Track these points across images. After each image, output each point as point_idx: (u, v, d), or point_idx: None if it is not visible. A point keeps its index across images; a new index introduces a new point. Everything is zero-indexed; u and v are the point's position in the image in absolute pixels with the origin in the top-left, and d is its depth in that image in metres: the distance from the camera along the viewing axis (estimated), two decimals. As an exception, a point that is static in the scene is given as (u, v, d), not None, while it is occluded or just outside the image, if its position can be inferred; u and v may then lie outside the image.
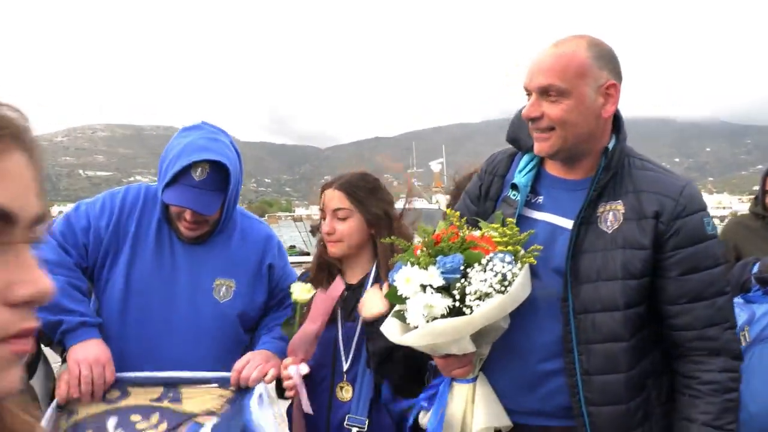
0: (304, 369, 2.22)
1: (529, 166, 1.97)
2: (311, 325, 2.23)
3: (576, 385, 1.75)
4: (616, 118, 1.87)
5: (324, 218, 2.38)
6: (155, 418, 2.14)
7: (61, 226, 2.38)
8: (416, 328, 1.72)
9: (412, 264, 1.75)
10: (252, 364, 2.24)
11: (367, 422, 2.18)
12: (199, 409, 2.17)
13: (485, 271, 1.68)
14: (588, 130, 1.79)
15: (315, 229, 3.13)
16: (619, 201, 1.79)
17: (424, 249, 1.78)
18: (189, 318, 2.34)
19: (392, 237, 1.94)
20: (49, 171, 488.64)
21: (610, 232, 1.77)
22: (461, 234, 1.78)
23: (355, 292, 2.32)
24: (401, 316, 1.78)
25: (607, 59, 1.79)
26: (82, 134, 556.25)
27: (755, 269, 2.48)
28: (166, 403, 2.18)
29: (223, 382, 2.24)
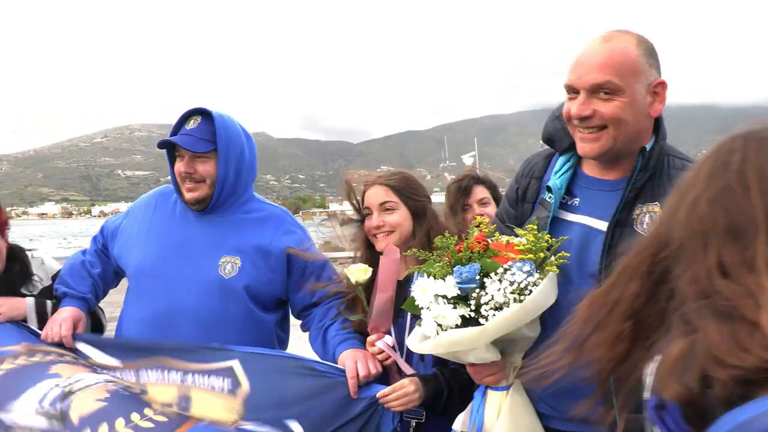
0: (389, 339, 2.29)
1: (565, 167, 1.93)
2: (383, 295, 2.28)
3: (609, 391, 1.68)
4: (656, 117, 1.81)
5: (369, 215, 2.45)
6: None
7: (103, 224, 2.83)
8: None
9: (429, 275, 1.77)
10: (353, 366, 2.24)
11: (424, 414, 2.21)
12: (207, 416, 2.19)
13: (501, 281, 1.67)
14: (637, 129, 1.75)
15: (345, 222, 3.23)
16: (656, 203, 1.73)
17: (444, 258, 1.79)
18: (197, 296, 2.44)
19: (415, 249, 2.01)
20: (89, 172, 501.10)
21: (645, 234, 1.59)
22: (489, 241, 1.78)
23: (402, 289, 2.33)
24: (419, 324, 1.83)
25: (655, 57, 1.76)
26: (120, 135, 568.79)
27: None
28: (175, 409, 2.23)
29: (223, 357, 2.27)
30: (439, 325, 1.71)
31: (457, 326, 1.69)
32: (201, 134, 2.46)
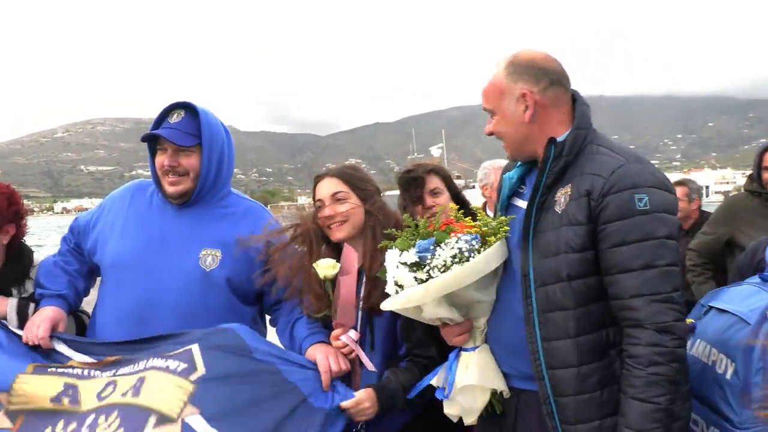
0: (353, 334, 2.36)
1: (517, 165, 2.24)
2: (347, 292, 2.38)
3: (537, 351, 1.94)
4: (574, 109, 2.06)
5: (321, 207, 2.49)
6: (112, 417, 2.13)
7: (72, 223, 2.81)
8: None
9: (396, 248, 2.07)
10: (325, 361, 2.30)
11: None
12: (154, 403, 2.12)
13: (447, 249, 1.98)
14: (520, 136, 2.06)
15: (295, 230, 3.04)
16: (569, 184, 1.95)
17: (408, 234, 2.08)
18: (178, 288, 2.46)
19: (391, 229, 2.15)
20: (51, 168, 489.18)
21: (559, 212, 1.95)
22: (454, 223, 2.08)
23: (360, 278, 2.43)
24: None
25: (522, 70, 2.02)
26: (82, 129, 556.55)
27: None
28: (129, 397, 2.17)
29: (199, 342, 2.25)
30: (399, 286, 2.02)
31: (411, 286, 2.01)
32: (185, 128, 2.49)
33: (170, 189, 2.51)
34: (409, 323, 2.31)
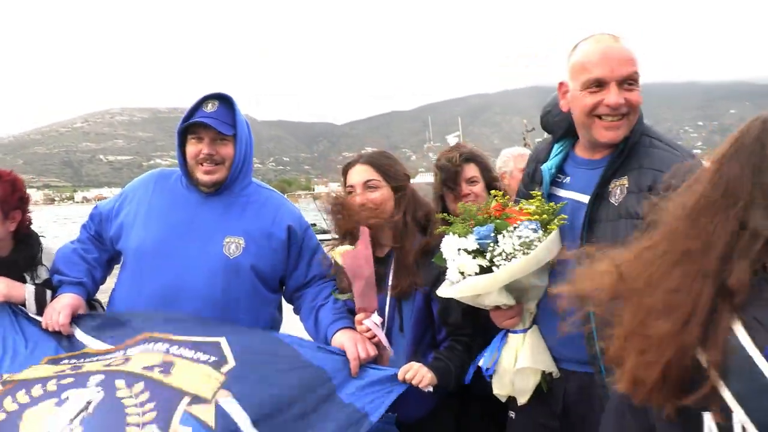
0: (377, 318, 2.39)
1: (559, 151, 2.27)
2: (360, 280, 2.39)
3: (593, 338, 1.96)
4: None
5: (352, 193, 2.55)
6: (138, 387, 2.11)
7: (92, 211, 2.83)
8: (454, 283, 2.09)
9: (454, 233, 2.10)
10: (353, 348, 2.34)
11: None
12: (187, 386, 2.11)
13: (512, 237, 2.01)
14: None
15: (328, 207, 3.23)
16: (625, 177, 2.00)
17: (466, 220, 2.14)
18: (203, 274, 2.51)
19: (443, 214, 2.29)
20: (71, 157, 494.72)
21: (616, 204, 2.00)
22: (505, 209, 2.12)
23: (382, 265, 2.48)
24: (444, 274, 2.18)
25: None
26: (101, 119, 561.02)
27: None
28: (156, 373, 2.16)
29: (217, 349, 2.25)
30: (461, 273, 2.05)
31: (476, 274, 2.04)
32: (223, 117, 2.55)
33: (205, 177, 2.56)
34: (447, 308, 2.35)
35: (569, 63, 2.13)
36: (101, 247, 2.73)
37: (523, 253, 1.98)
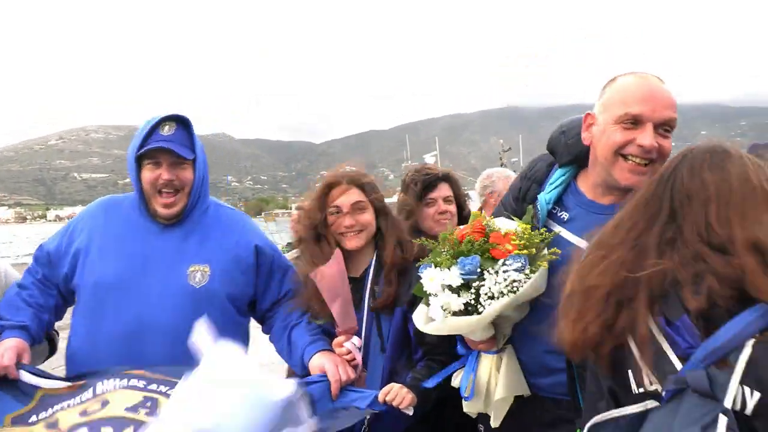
0: (357, 341, 2.38)
1: (560, 180, 2.10)
2: (336, 303, 2.36)
3: (573, 375, 1.88)
4: None
5: (335, 213, 2.50)
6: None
7: (35, 252, 2.62)
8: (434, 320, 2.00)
9: (436, 265, 1.99)
10: (334, 370, 2.25)
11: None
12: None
13: (498, 274, 1.90)
14: None
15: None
16: None
17: (447, 250, 2.02)
18: (169, 308, 2.36)
19: (421, 239, 2.20)
20: (44, 175, 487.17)
21: None
22: (487, 230, 1.99)
23: (358, 285, 2.48)
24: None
25: None
26: (76, 136, 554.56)
27: None
28: (142, 415, 2.03)
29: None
30: (444, 309, 1.95)
31: (460, 311, 1.95)
32: (181, 140, 2.41)
33: (165, 211, 2.44)
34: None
35: (604, 95, 1.97)
36: (48, 292, 2.52)
37: (510, 292, 1.90)
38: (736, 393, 1.13)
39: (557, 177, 2.12)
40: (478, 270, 1.91)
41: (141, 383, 2.15)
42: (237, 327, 2.50)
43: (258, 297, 2.58)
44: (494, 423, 2.16)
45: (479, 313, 1.91)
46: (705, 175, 1.34)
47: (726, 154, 1.37)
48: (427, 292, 2.00)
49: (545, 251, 1.96)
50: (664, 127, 1.84)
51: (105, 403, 2.10)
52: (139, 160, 2.43)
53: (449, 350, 2.33)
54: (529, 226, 1.99)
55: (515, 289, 1.89)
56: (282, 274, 2.61)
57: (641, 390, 1.30)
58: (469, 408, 2.19)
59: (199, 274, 2.42)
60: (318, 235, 2.52)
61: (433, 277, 1.96)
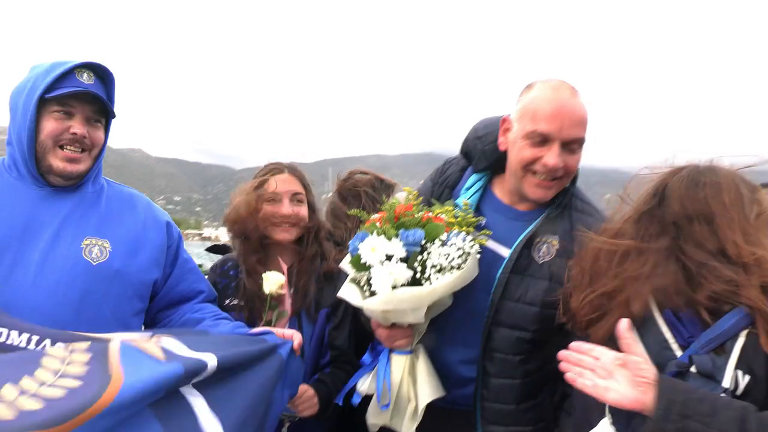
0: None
1: (476, 186, 2.06)
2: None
3: (477, 383, 1.95)
4: None
5: (272, 201, 2.36)
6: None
7: None
8: (374, 294, 1.82)
9: (379, 234, 1.82)
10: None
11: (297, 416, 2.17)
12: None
13: (443, 246, 1.80)
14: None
15: (222, 249, 3.20)
16: (556, 236, 1.92)
17: (387, 222, 1.87)
18: (52, 287, 1.87)
19: (357, 210, 2.04)
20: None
21: (540, 262, 1.90)
22: (417, 213, 1.88)
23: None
24: (358, 283, 1.89)
25: None
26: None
27: None
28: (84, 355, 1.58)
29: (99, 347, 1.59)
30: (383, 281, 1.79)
31: (402, 286, 1.79)
32: (101, 92, 1.98)
33: (68, 167, 1.94)
34: (337, 330, 2.29)
35: (520, 101, 1.93)
36: None
37: (453, 268, 1.80)
38: (732, 375, 1.35)
39: (473, 181, 2.07)
40: (422, 242, 1.81)
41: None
42: (134, 316, 2.07)
43: (160, 286, 2.16)
44: (411, 430, 1.99)
45: (430, 284, 1.79)
46: (699, 192, 1.51)
47: (714, 170, 1.55)
48: (366, 264, 1.83)
49: (479, 232, 1.92)
50: (572, 145, 1.84)
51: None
52: (38, 107, 1.92)
53: (353, 360, 2.27)
54: (451, 208, 1.94)
55: (459, 265, 1.80)
56: (190, 267, 2.26)
57: None
58: (375, 418, 2.03)
59: (97, 249, 1.96)
60: (245, 231, 2.36)
61: (374, 247, 1.81)
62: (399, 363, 1.98)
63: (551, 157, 1.82)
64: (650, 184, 1.61)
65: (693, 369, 1.38)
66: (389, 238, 1.81)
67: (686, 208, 1.51)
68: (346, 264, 1.96)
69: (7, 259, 1.85)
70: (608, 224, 1.68)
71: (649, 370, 1.35)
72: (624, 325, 1.43)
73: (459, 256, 1.79)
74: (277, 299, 2.28)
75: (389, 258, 1.80)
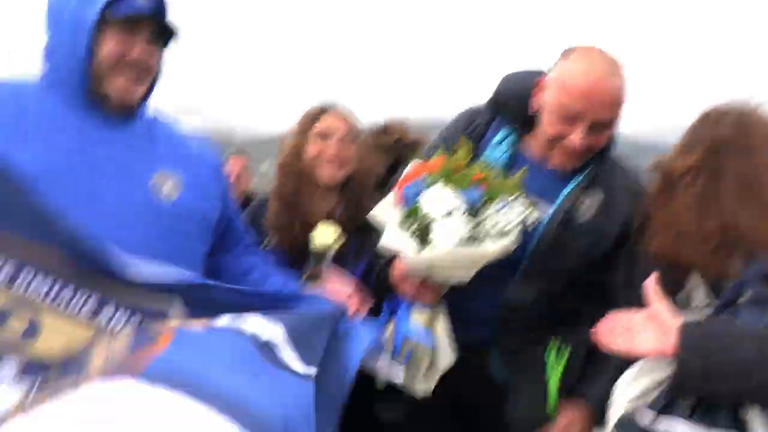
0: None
1: (506, 143, 1.95)
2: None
3: (496, 312, 1.89)
4: None
5: (319, 140, 2.27)
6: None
7: None
8: (427, 248, 1.68)
9: (447, 184, 1.69)
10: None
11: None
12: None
13: (505, 208, 1.69)
14: None
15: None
16: (601, 190, 1.88)
17: (446, 173, 1.72)
18: (122, 233, 1.54)
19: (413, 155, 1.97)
20: None
21: (581, 221, 1.85)
22: (466, 171, 1.74)
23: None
24: (417, 234, 1.71)
25: None
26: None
27: None
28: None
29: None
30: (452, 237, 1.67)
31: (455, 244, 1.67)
32: (162, 16, 1.67)
33: (127, 86, 1.61)
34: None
35: (556, 67, 1.83)
36: None
37: (512, 233, 1.69)
38: None
39: (502, 137, 1.96)
40: (483, 202, 1.69)
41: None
42: (202, 260, 1.79)
43: (221, 226, 1.87)
44: (427, 389, 1.86)
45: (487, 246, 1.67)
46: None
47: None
48: (429, 215, 1.66)
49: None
50: (600, 126, 1.76)
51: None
52: (97, 27, 1.57)
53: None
54: (491, 173, 1.78)
55: (519, 229, 1.69)
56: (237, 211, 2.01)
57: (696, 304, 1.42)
58: (425, 384, 1.85)
59: (168, 185, 1.67)
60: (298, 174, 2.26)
61: (441, 199, 1.66)
62: (419, 318, 1.88)
63: (575, 137, 1.75)
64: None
65: (744, 298, 1.32)
66: (459, 189, 1.67)
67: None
68: (384, 213, 1.79)
69: (74, 187, 1.53)
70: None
71: (674, 319, 1.30)
72: (652, 279, 1.36)
73: (519, 223, 1.70)
74: (324, 254, 2.08)
75: (453, 213, 1.67)
